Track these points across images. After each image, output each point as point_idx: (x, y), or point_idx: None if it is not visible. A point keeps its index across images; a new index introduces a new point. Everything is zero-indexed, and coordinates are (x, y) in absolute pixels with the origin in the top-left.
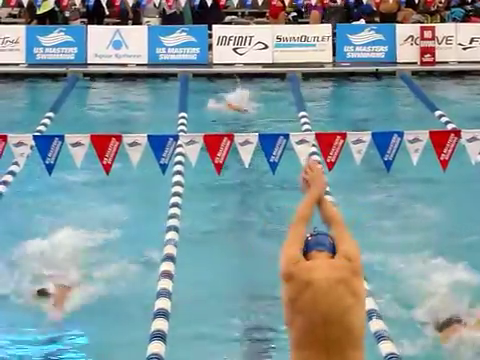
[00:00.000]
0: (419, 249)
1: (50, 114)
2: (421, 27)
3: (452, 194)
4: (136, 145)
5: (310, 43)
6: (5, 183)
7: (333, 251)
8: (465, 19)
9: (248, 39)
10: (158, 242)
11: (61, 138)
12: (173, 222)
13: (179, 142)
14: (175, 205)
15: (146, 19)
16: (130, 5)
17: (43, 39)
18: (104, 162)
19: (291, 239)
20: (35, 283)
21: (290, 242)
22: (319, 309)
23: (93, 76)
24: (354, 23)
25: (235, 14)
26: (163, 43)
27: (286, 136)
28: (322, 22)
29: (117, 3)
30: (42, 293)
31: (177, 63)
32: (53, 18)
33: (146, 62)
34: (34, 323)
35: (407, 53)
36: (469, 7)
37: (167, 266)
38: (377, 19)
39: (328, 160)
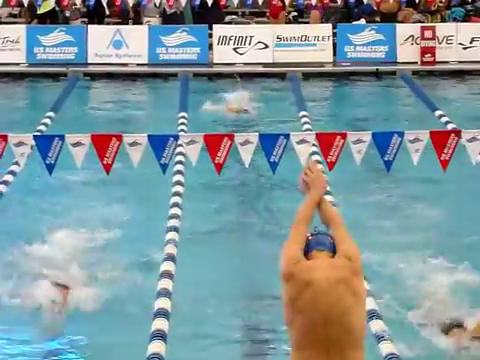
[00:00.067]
0: (419, 249)
1: (50, 114)
2: (421, 27)
3: (452, 194)
4: (136, 145)
5: (310, 43)
6: (5, 183)
7: (333, 251)
8: (465, 19)
9: (248, 39)
10: (158, 242)
11: (61, 138)
12: (173, 222)
13: (179, 142)
14: (175, 205)
15: (146, 19)
16: (130, 5)
17: (43, 39)
18: (104, 162)
19: (292, 239)
20: (35, 283)
21: (291, 242)
22: (319, 309)
23: (93, 76)
24: (354, 23)
25: (235, 14)
26: (163, 43)
27: (286, 136)
28: (322, 22)
29: (118, 3)
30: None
31: (177, 63)
32: (54, 18)
33: (146, 62)
34: (34, 323)
35: (407, 53)
36: (469, 7)
37: (167, 266)
38: (377, 19)
39: (328, 160)
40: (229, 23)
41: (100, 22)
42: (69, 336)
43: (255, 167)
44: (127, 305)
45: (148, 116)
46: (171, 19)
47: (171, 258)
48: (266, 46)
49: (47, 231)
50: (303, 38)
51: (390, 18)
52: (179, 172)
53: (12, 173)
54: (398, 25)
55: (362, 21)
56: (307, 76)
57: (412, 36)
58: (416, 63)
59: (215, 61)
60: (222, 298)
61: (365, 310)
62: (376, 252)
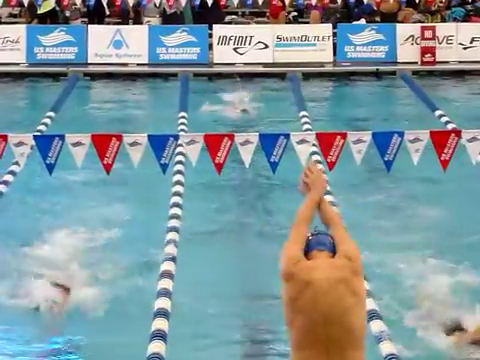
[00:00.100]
0: (419, 249)
1: (51, 114)
2: (422, 27)
3: (452, 194)
4: (137, 145)
5: (310, 43)
6: (6, 183)
7: (333, 251)
8: (466, 19)
9: (248, 39)
10: (159, 242)
11: (62, 138)
12: (174, 222)
13: (179, 142)
14: (175, 205)
15: (147, 19)
16: (131, 5)
17: (43, 39)
18: (105, 162)
19: (292, 239)
20: (35, 283)
21: (291, 242)
22: (319, 309)
23: (94, 76)
24: (355, 23)
25: (235, 14)
26: (163, 43)
27: (286, 136)
28: (322, 22)
29: (118, 3)
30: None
31: (177, 63)
32: (54, 18)
33: (146, 62)
34: (33, 323)
35: (408, 53)
36: (470, 7)
37: (167, 266)
38: (378, 19)
39: (328, 160)
40: (229, 23)
41: (100, 22)
42: (69, 336)
43: (255, 167)
44: (127, 305)
45: (148, 116)
46: (171, 19)
47: (171, 258)
48: (266, 46)
49: (47, 231)
50: (303, 38)
51: (390, 18)
52: (179, 172)
53: (12, 173)
54: (398, 25)
55: (362, 21)
56: (307, 76)
57: (412, 36)
58: (416, 63)
59: (215, 61)
60: (222, 298)
61: (365, 310)
62: (376, 252)
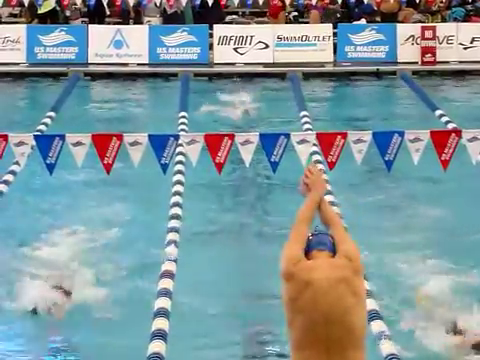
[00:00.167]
0: (419, 249)
1: (51, 113)
2: (422, 27)
3: (453, 194)
4: (137, 144)
5: (311, 43)
6: (6, 182)
7: (334, 251)
8: (466, 19)
9: (249, 39)
10: (159, 242)
11: (62, 137)
12: (174, 222)
13: (180, 141)
14: (176, 205)
15: (147, 19)
16: (131, 5)
17: (44, 38)
18: (105, 162)
19: (293, 239)
20: (34, 284)
21: (291, 242)
22: (319, 309)
23: (94, 76)
24: (355, 23)
25: (236, 14)
26: (164, 43)
27: (287, 136)
28: (321, 22)
29: (118, 2)
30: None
31: (178, 63)
32: (54, 17)
33: (147, 62)
34: (33, 323)
35: (408, 53)
36: (470, 7)
37: (167, 266)
38: (378, 19)
39: (329, 160)
40: (229, 23)
41: (101, 22)
42: (69, 336)
43: (256, 167)
44: (127, 305)
45: (148, 116)
46: (171, 19)
47: (171, 258)
48: (266, 46)
49: (47, 231)
50: (303, 38)
51: (390, 18)
52: (179, 172)
53: (12, 173)
54: (398, 25)
55: (362, 21)
56: (307, 76)
57: (412, 36)
58: (416, 63)
59: (215, 61)
60: (222, 298)
61: (366, 310)
62: (376, 252)
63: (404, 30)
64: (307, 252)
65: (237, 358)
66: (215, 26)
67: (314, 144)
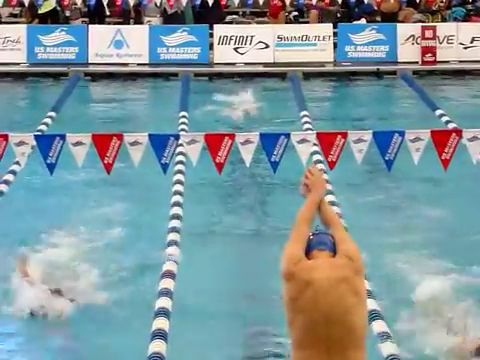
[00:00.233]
0: (419, 249)
1: (51, 113)
2: (422, 26)
3: (453, 194)
4: (137, 144)
5: (311, 42)
6: (6, 182)
7: (334, 250)
8: (466, 18)
9: (249, 39)
10: (159, 242)
11: (62, 137)
12: (174, 222)
13: (180, 141)
14: (176, 204)
15: (147, 19)
16: (131, 4)
17: (44, 38)
18: (105, 161)
19: (293, 239)
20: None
21: (292, 242)
22: (320, 309)
23: (94, 76)
24: (355, 22)
25: (236, 13)
26: (164, 42)
27: (287, 135)
28: (321, 22)
29: (118, 2)
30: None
31: (178, 62)
32: (55, 17)
33: (147, 62)
34: (33, 323)
35: (408, 52)
36: (470, 6)
37: (168, 266)
38: (378, 18)
39: (329, 159)
40: (230, 23)
41: (101, 22)
42: (69, 336)
43: (256, 167)
44: (128, 305)
45: (149, 116)
46: (172, 19)
47: (172, 258)
48: (267, 46)
49: (47, 231)
50: (304, 38)
51: (391, 18)
52: (180, 172)
53: (13, 173)
54: (399, 25)
55: (363, 21)
56: (308, 76)
57: (413, 36)
58: (417, 63)
59: (216, 61)
60: (222, 298)
61: (366, 310)
62: (376, 252)
63: (404, 30)
64: (308, 252)
65: (237, 358)
66: (215, 26)
67: (314, 144)
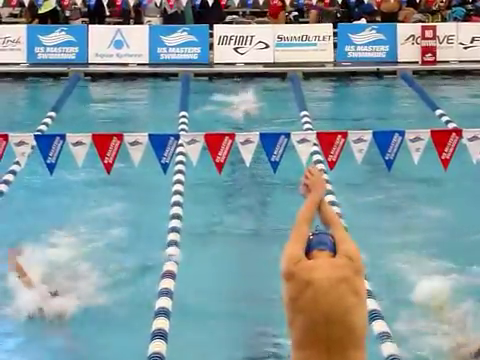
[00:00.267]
0: (419, 249)
1: (51, 113)
2: (422, 26)
3: (453, 193)
4: (137, 144)
5: (311, 42)
6: (6, 182)
7: (334, 250)
8: (466, 18)
9: (249, 39)
10: (159, 242)
11: (62, 137)
12: (174, 222)
13: (180, 141)
14: (176, 204)
15: (147, 19)
16: (131, 5)
17: (44, 39)
18: (105, 161)
19: (293, 239)
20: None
21: (292, 242)
22: (320, 308)
23: (94, 76)
24: (355, 22)
25: (236, 13)
26: (164, 42)
27: (287, 135)
28: (320, 22)
29: (118, 2)
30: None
31: (178, 62)
32: (55, 17)
33: (147, 62)
34: (33, 323)
35: (408, 52)
36: (470, 6)
37: (168, 266)
38: (378, 18)
39: (329, 159)
40: (230, 23)
41: (101, 22)
42: (69, 336)
43: (256, 166)
44: (127, 305)
45: (149, 115)
46: (172, 19)
47: (172, 258)
48: (267, 46)
49: (47, 231)
50: (304, 38)
51: (391, 18)
52: (180, 171)
53: (13, 172)
54: (399, 25)
55: (363, 21)
56: (308, 76)
57: (413, 36)
58: (417, 63)
59: (216, 61)
60: (222, 298)
61: (366, 310)
62: (376, 252)
63: (404, 30)
64: (308, 252)
65: (237, 358)
66: (215, 26)
67: (314, 143)
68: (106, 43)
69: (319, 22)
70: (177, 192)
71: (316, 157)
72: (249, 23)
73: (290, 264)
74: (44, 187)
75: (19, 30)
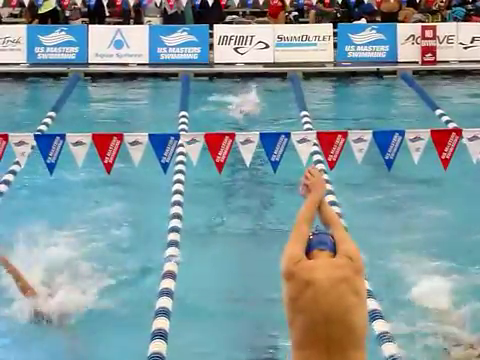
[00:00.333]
0: (420, 249)
1: (51, 113)
2: (422, 26)
3: (453, 193)
4: (137, 144)
5: (311, 42)
6: (6, 182)
7: (334, 250)
8: (466, 18)
9: (249, 38)
10: (160, 242)
11: (62, 137)
12: (175, 221)
13: (180, 141)
14: (176, 204)
15: (147, 19)
16: (131, 5)
17: (44, 39)
18: (105, 161)
19: (293, 239)
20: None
21: (292, 242)
22: (320, 308)
23: (94, 76)
24: (355, 22)
25: (236, 13)
26: (164, 42)
27: (287, 135)
28: (319, 21)
29: (118, 3)
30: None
31: (178, 62)
32: (55, 18)
33: (147, 62)
34: (33, 323)
35: (408, 52)
36: (470, 6)
37: (168, 266)
38: (378, 18)
39: (329, 159)
40: (230, 23)
41: (101, 22)
42: (69, 336)
43: (256, 166)
44: (127, 305)
45: (149, 115)
46: (172, 19)
47: (172, 258)
48: (267, 46)
49: (47, 231)
50: (304, 38)
51: (391, 18)
52: (180, 171)
53: (13, 172)
54: (399, 25)
55: (363, 21)
56: (308, 76)
57: (413, 36)
58: (417, 63)
59: (216, 61)
60: (223, 298)
61: (366, 310)
62: (376, 252)
63: (404, 30)
64: (308, 252)
65: (237, 358)
66: (215, 26)
67: (314, 143)
68: (106, 43)
69: (318, 22)
70: (177, 192)
71: (316, 157)
72: (249, 23)
73: (290, 264)
74: (44, 187)
75: (19, 30)
